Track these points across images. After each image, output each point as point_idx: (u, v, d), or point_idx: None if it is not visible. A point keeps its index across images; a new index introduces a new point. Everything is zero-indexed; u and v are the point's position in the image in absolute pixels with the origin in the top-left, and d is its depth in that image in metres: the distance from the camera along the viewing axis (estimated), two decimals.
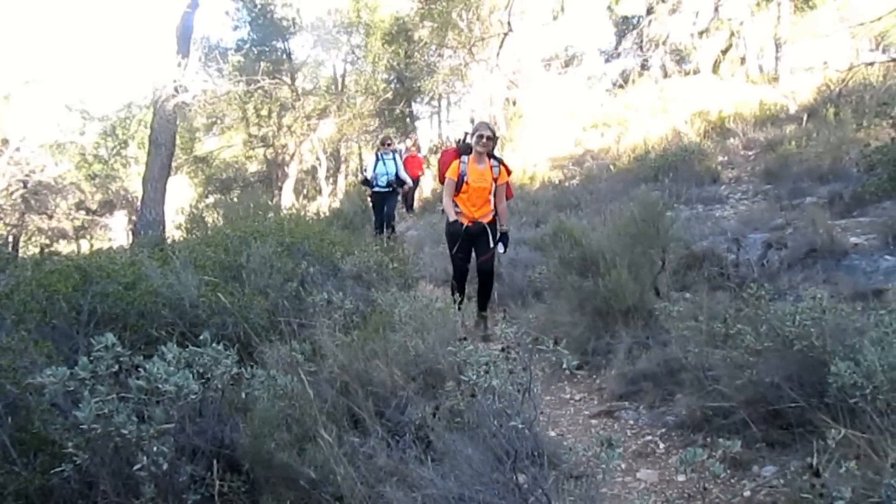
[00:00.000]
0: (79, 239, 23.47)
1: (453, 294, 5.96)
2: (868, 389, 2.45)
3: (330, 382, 3.54)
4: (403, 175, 11.09)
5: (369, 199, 11.40)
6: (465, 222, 6.10)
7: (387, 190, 10.85)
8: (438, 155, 10.32)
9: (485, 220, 6.15)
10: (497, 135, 6.21)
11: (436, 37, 22.98)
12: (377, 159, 10.86)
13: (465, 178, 6.06)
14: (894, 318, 2.76)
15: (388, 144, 11.10)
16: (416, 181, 14.86)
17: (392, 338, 3.88)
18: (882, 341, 2.59)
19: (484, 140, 6.01)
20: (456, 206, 6.18)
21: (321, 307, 4.49)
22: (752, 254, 5.83)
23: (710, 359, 3.62)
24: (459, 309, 4.65)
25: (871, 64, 9.84)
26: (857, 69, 8.62)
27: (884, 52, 17.43)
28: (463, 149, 6.33)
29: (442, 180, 6.40)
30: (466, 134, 6.52)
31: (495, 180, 6.14)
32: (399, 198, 12.14)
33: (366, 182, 11.13)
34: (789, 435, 3.12)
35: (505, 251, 6.41)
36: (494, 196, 6.22)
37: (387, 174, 10.73)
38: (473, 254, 6.24)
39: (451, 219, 6.11)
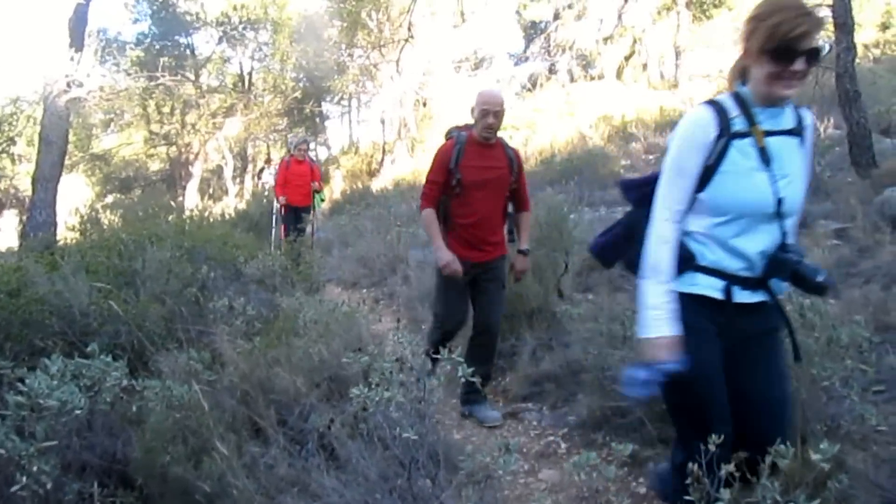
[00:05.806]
0: None
1: None
2: None
3: (230, 391, 3.43)
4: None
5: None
6: None
7: None
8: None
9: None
10: None
11: (345, 36, 22.79)
12: None
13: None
14: None
15: None
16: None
17: (296, 344, 3.80)
18: None
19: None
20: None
21: (222, 313, 4.35)
22: None
23: (610, 360, 3.72)
24: None
25: None
26: None
27: None
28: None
29: None
30: None
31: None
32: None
33: None
34: None
35: None
36: None
37: None
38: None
39: None
